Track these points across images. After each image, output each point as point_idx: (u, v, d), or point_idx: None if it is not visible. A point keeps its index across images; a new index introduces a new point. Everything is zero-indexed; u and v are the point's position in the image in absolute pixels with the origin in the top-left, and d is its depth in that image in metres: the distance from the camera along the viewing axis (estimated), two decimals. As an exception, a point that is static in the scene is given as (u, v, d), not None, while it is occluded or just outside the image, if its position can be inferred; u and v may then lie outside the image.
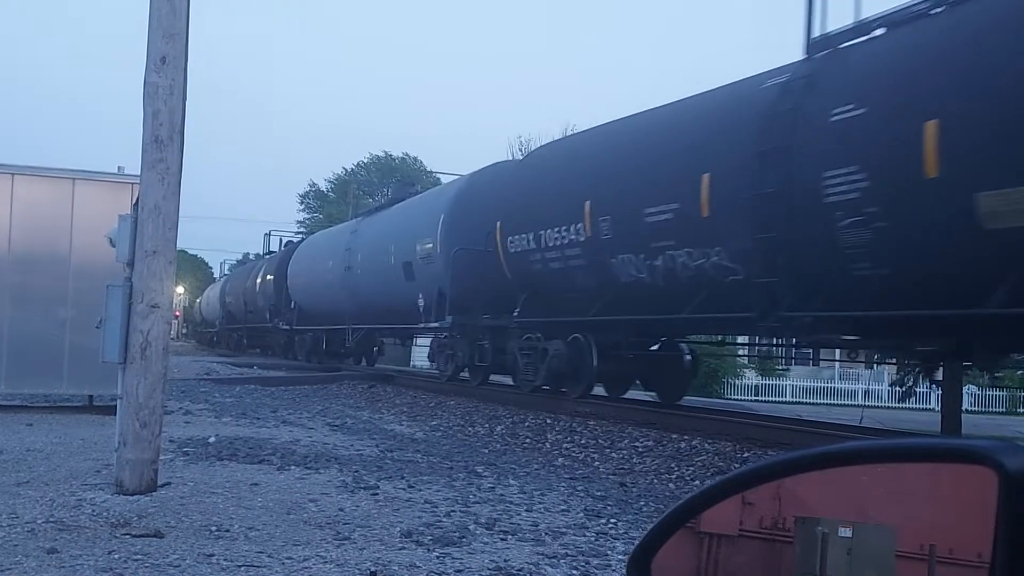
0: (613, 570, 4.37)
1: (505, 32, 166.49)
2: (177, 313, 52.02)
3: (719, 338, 15.37)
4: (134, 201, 6.06)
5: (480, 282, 14.87)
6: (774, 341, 12.33)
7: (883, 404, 27.95)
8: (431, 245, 16.40)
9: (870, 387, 30.69)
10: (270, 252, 37.07)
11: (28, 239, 10.41)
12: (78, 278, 10.16)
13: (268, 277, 30.21)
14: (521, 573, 4.21)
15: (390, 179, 56.77)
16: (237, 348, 38.40)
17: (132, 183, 8.51)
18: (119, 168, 10.46)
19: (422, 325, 17.33)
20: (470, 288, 15.17)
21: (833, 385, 34.31)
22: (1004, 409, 32.98)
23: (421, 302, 16.73)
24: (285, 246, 33.19)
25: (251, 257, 48.52)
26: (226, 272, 49.32)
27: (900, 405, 26.28)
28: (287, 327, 27.45)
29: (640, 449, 9.52)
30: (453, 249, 15.26)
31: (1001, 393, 33.43)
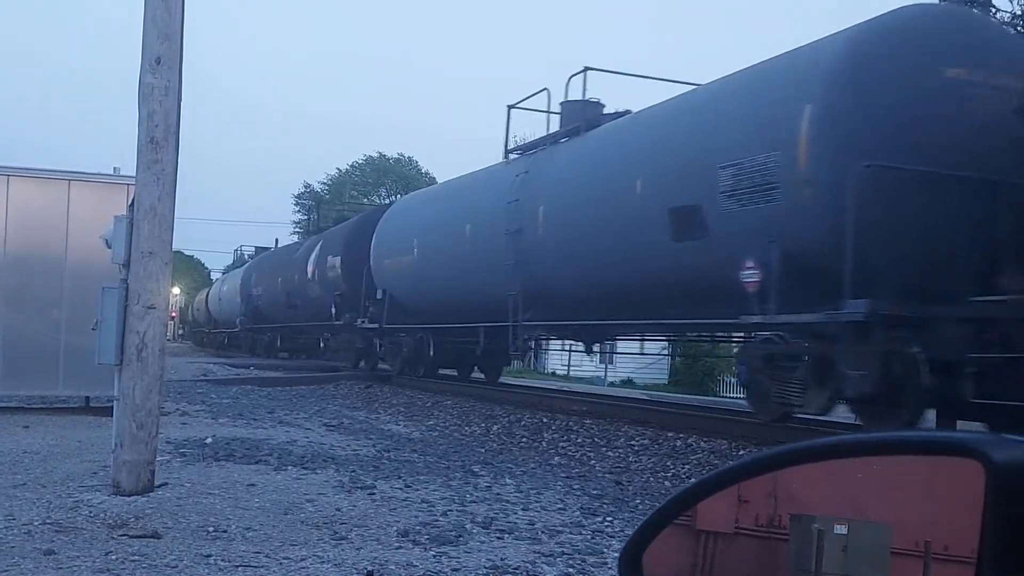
0: (609, 568, 4.38)
1: (503, 33, 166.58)
2: (173, 314, 51.60)
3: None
4: (130, 202, 6.06)
5: (955, 230, 8.01)
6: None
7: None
8: (777, 161, 8.53)
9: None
10: (320, 228, 29.16)
11: (23, 241, 10.39)
12: (74, 279, 10.14)
13: (331, 260, 22.19)
14: (518, 572, 4.22)
15: (385, 179, 56.79)
16: (268, 352, 31.75)
17: (128, 184, 8.49)
18: (114, 169, 10.45)
19: (755, 318, 8.94)
20: (918, 244, 8.05)
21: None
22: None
23: (751, 275, 8.87)
24: (336, 223, 26.17)
25: (247, 257, 46.40)
26: (240, 261, 43.57)
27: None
28: (373, 325, 19.28)
29: (636, 447, 9.54)
30: (857, 166, 7.66)
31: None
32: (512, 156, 15.03)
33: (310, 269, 23.96)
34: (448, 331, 16.90)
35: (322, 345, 28.14)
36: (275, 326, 29.98)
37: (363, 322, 19.82)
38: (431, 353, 17.84)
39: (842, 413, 9.26)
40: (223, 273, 47.58)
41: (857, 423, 8.93)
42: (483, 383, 17.94)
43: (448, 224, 15.90)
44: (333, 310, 21.59)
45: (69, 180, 10.45)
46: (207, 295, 45.48)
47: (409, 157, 59.29)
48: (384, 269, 18.69)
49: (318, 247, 24.01)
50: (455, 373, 18.98)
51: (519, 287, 13.14)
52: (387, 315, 18.65)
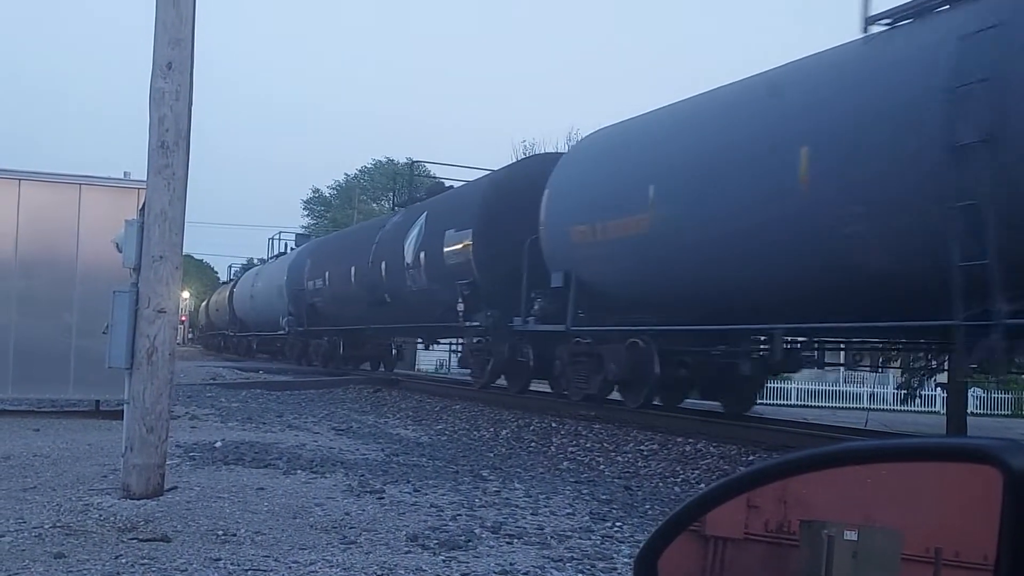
0: (619, 573, 4.37)
1: (507, 37, 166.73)
2: (183, 318, 51.67)
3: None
4: (140, 206, 6.09)
5: None
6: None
7: (888, 407, 27.88)
8: None
9: (875, 390, 30.58)
10: (416, 198, 21.16)
11: (35, 244, 10.46)
12: (85, 283, 10.19)
13: (454, 235, 15.76)
14: (527, 577, 4.22)
15: (394, 184, 56.89)
16: (328, 361, 24.94)
17: (138, 188, 8.52)
18: (125, 173, 10.51)
19: None
20: None
21: (838, 388, 34.23)
22: (1010, 412, 32.88)
23: None
24: (431, 191, 20.23)
25: (256, 262, 43.77)
26: (273, 254, 37.06)
27: (905, 408, 26.32)
28: (555, 327, 12.88)
29: (645, 452, 9.52)
30: None
31: (1007, 395, 33.33)
32: (875, 28, 8.21)
33: (409, 252, 17.81)
34: (690, 337, 11.03)
35: (395, 352, 24.26)
36: (343, 329, 23.40)
37: (528, 322, 13.49)
38: (656, 370, 11.19)
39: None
40: (241, 271, 42.89)
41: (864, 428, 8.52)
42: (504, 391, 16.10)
43: (742, 152, 9.23)
44: (461, 306, 15.28)
45: (80, 184, 10.52)
46: (230, 293, 39.58)
47: (418, 161, 59.43)
48: (569, 242, 12.36)
49: (421, 221, 17.73)
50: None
51: (996, 251, 6.53)
52: (573, 312, 12.56)
